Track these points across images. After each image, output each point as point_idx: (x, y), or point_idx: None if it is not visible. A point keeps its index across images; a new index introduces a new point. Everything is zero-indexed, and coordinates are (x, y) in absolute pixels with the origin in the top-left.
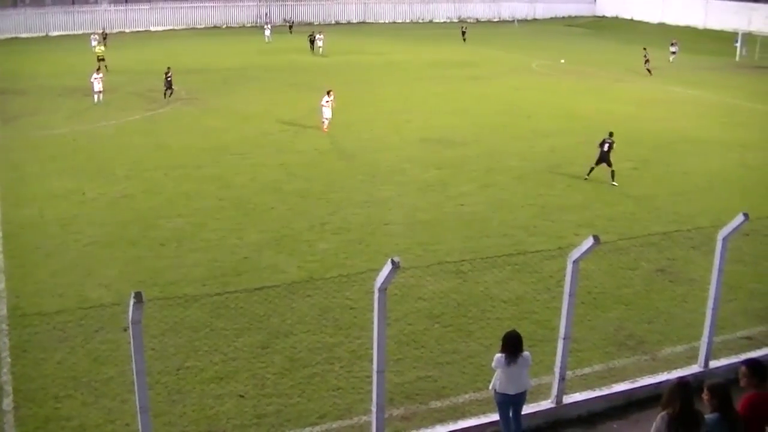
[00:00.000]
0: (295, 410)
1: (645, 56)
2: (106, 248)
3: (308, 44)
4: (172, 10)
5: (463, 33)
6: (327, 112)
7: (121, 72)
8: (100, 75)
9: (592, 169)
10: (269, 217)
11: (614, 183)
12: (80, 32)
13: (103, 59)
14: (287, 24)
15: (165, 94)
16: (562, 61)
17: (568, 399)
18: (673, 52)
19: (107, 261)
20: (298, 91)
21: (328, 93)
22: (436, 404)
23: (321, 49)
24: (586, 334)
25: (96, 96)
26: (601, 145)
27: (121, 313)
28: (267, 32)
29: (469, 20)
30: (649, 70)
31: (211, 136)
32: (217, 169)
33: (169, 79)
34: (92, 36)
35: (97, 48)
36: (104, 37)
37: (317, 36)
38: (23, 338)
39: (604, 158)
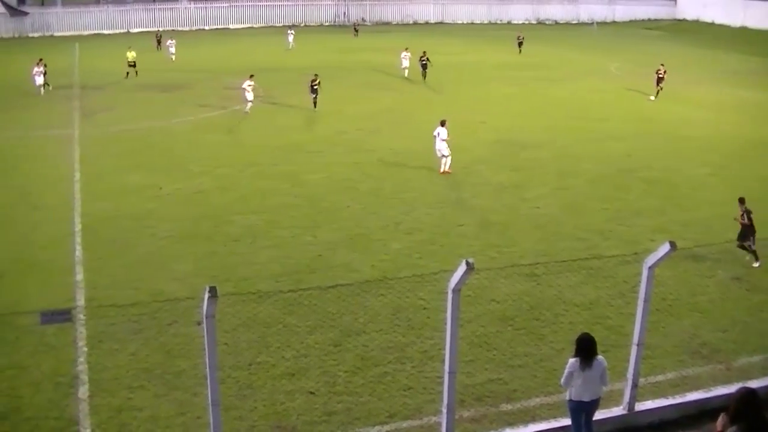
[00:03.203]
0: (365, 409)
1: (659, 73)
2: (181, 243)
3: (406, 63)
4: (251, 8)
5: (520, 44)
6: (445, 148)
7: (197, 69)
8: (252, 83)
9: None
10: (343, 216)
11: None
12: (161, 29)
13: (134, 65)
14: (354, 26)
15: (314, 102)
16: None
17: (639, 406)
18: None
19: (181, 255)
20: (372, 90)
21: (443, 124)
22: (506, 407)
23: (407, 70)
24: (659, 341)
25: (248, 105)
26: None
27: (195, 307)
28: (290, 38)
29: (547, 22)
30: (658, 90)
31: (286, 133)
32: (291, 167)
33: (315, 86)
34: (169, 42)
35: (129, 53)
36: (159, 38)
37: (405, 54)
38: (99, 329)
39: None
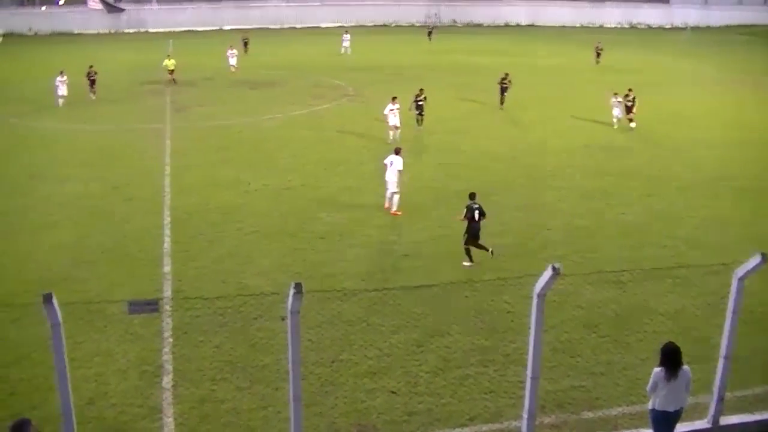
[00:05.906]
0: (446, 410)
1: (627, 101)
2: (267, 238)
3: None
4: (342, 8)
5: (598, 54)
6: (395, 183)
7: (288, 67)
8: (397, 106)
9: None
10: (429, 217)
11: None
12: (252, 27)
13: (172, 72)
14: (429, 29)
15: (417, 120)
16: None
17: (724, 420)
18: None
19: (267, 251)
20: (459, 91)
21: (397, 152)
22: (587, 415)
23: (617, 120)
24: (747, 355)
25: (394, 132)
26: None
27: (280, 303)
28: (345, 42)
29: (639, 26)
30: (629, 119)
31: (374, 133)
32: (378, 166)
33: (420, 102)
34: (229, 52)
35: (168, 61)
36: (245, 43)
37: (616, 100)
38: (185, 320)
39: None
